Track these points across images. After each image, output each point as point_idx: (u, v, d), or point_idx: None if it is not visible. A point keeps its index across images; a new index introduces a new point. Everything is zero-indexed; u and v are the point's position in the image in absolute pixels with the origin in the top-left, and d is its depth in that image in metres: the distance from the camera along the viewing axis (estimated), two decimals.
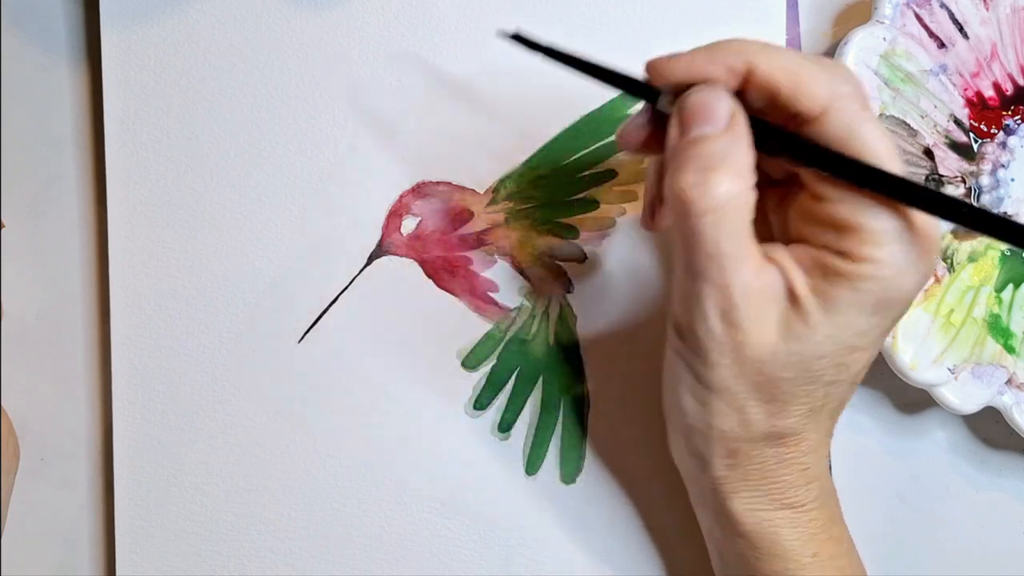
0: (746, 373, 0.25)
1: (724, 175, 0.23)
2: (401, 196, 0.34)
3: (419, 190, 0.34)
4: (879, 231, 0.24)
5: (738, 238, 0.24)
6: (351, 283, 0.34)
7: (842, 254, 0.24)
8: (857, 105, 0.24)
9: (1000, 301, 0.33)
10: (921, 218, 0.24)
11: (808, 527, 0.28)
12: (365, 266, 0.34)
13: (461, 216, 0.34)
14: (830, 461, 0.29)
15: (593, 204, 0.34)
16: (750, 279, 0.24)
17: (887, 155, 0.24)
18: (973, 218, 0.23)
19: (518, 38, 0.26)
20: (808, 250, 0.25)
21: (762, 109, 0.25)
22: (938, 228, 0.24)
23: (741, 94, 0.25)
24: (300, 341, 0.34)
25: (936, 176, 0.33)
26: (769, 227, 0.27)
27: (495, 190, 0.34)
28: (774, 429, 0.26)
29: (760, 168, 0.25)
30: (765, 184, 0.27)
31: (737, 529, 0.28)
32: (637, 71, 0.26)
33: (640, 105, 0.27)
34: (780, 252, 0.25)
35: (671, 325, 0.27)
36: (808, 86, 0.24)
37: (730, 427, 0.26)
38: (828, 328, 0.24)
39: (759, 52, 0.24)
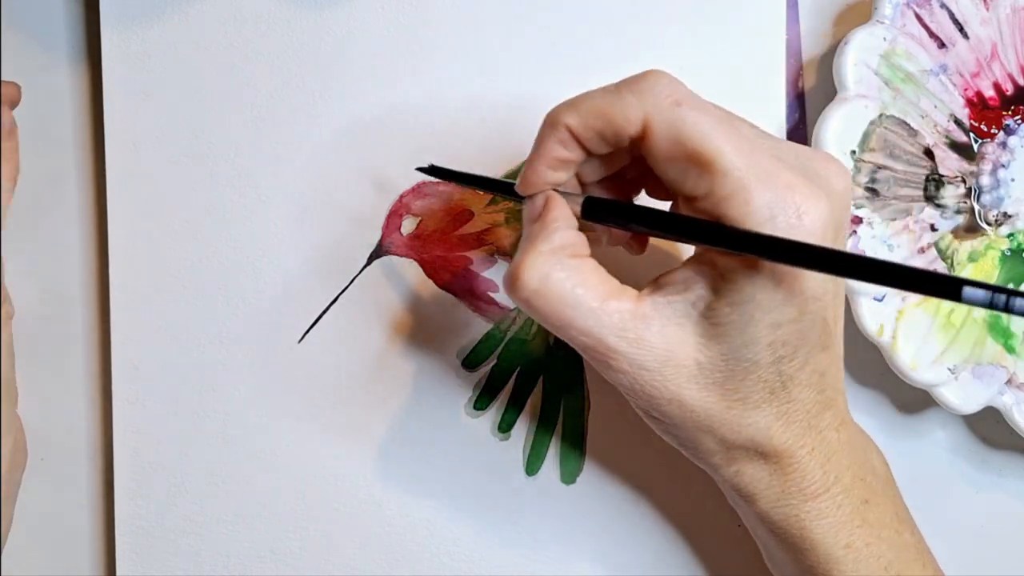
0: (687, 398, 0.26)
1: (525, 260, 0.25)
2: (401, 196, 0.34)
3: (419, 190, 0.34)
4: (732, 193, 0.24)
5: (576, 298, 0.25)
6: (351, 283, 0.34)
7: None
8: (672, 103, 0.24)
9: None
10: (761, 168, 0.24)
11: (836, 516, 0.27)
12: (365, 266, 0.34)
13: (461, 216, 0.34)
14: (845, 435, 0.28)
15: None
16: (618, 322, 0.25)
17: (721, 139, 0.24)
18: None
19: (434, 170, 0.30)
20: (705, 253, 0.26)
21: (618, 152, 0.26)
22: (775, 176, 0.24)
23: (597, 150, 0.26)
24: (300, 341, 0.34)
25: (936, 176, 0.33)
26: None
27: None
28: (752, 428, 0.26)
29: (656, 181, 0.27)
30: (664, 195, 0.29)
31: (769, 528, 0.28)
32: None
33: None
34: (677, 273, 0.26)
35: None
36: (616, 115, 0.25)
37: (713, 445, 0.27)
38: (738, 315, 0.25)
39: (567, 112, 0.25)
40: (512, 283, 0.25)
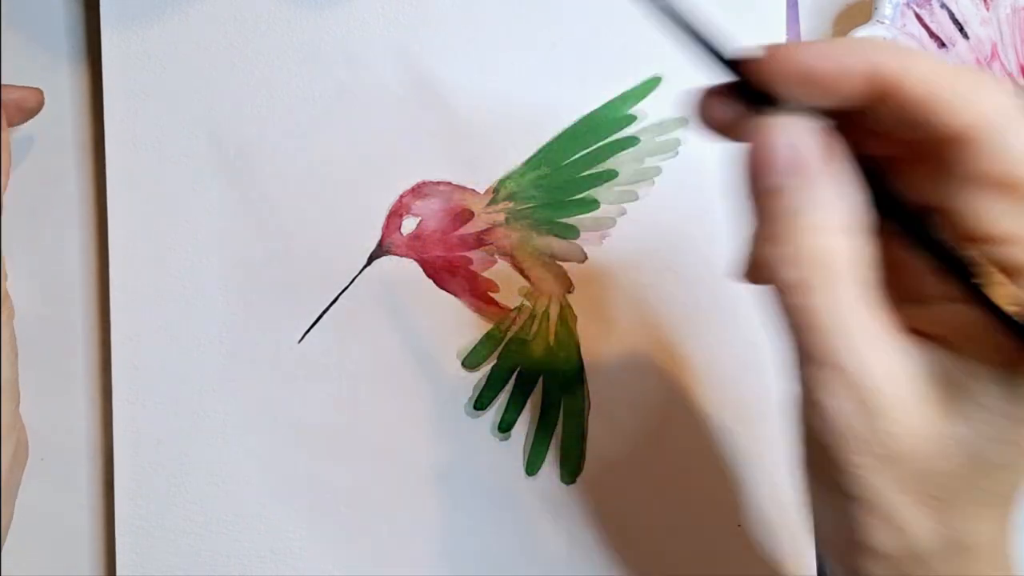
0: (895, 470, 0.20)
1: (811, 235, 0.19)
2: (401, 196, 0.34)
3: (419, 190, 0.34)
4: None
5: (852, 306, 0.19)
6: (351, 283, 0.34)
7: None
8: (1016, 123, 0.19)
9: None
10: None
11: None
12: (365, 266, 0.34)
13: (461, 216, 0.34)
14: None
15: (593, 204, 0.34)
16: (883, 355, 0.20)
17: None
18: None
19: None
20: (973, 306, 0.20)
21: (876, 128, 0.20)
22: None
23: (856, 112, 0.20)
24: (300, 341, 0.34)
25: None
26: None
27: (495, 190, 0.34)
28: (949, 536, 0.21)
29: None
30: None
31: None
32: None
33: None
34: (932, 315, 0.21)
35: (796, 423, 0.22)
36: (942, 112, 0.19)
37: (884, 541, 0.21)
38: (1001, 400, 0.20)
39: (905, 61, 0.19)
40: (772, 258, 0.20)
